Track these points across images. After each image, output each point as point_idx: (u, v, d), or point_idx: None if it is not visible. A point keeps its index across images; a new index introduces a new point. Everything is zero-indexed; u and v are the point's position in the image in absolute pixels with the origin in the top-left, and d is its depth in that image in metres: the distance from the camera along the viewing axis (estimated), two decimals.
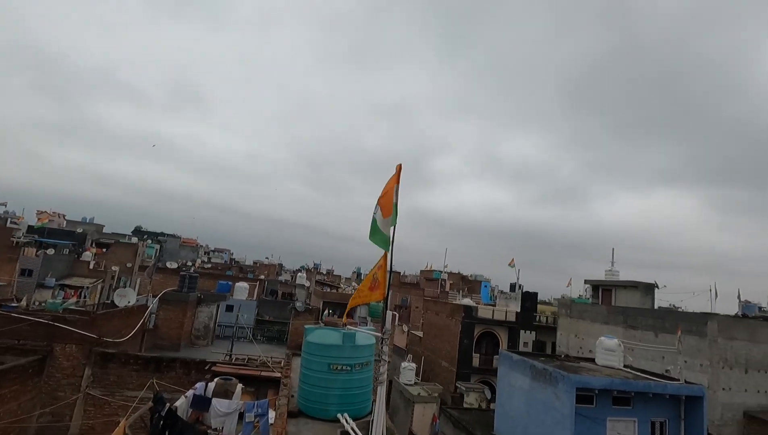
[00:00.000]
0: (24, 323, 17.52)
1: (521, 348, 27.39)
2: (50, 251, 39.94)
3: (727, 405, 17.51)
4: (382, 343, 4.82)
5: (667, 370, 16.92)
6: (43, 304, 22.14)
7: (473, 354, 28.32)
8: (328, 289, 48.47)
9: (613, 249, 28.32)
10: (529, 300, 30.06)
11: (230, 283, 36.55)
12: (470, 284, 57.66)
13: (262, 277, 49.21)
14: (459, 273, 63.34)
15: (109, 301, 23.15)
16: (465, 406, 23.18)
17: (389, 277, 4.85)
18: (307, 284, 47.16)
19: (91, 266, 39.99)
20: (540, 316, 30.45)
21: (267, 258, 78.62)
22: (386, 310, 4.65)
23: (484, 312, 29.54)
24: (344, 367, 5.85)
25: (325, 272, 76.79)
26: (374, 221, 4.79)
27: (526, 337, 28.54)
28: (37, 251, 38.72)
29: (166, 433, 9.56)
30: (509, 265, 34.55)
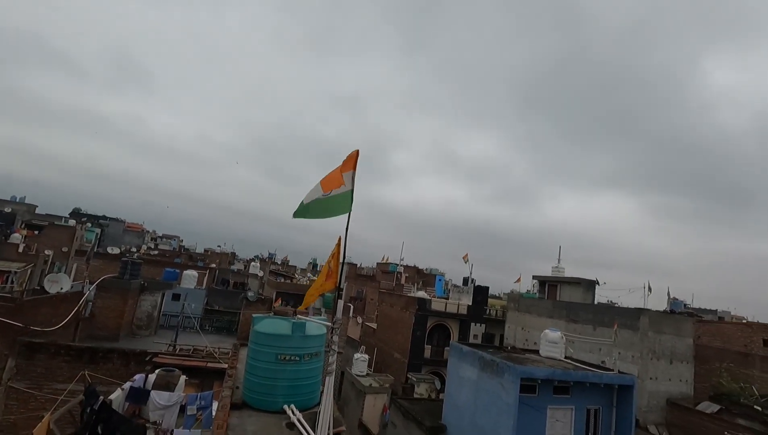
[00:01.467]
0: None
1: (471, 340, 28.22)
2: None
3: (653, 393, 18.95)
4: (332, 332, 4.69)
5: (603, 362, 18.03)
6: None
7: (425, 346, 28.86)
8: (283, 280, 47.55)
9: (560, 247, 29.72)
10: (481, 294, 30.99)
11: (178, 271, 34.87)
12: (425, 278, 58.66)
13: (213, 265, 47.40)
14: (415, 266, 64.25)
15: (39, 288, 21.35)
16: (415, 396, 23.58)
17: (342, 266, 4.72)
18: (261, 274, 46.00)
19: (21, 249, 36.75)
20: (490, 310, 31.50)
21: (219, 246, 75.93)
22: (338, 299, 4.52)
23: (437, 305, 30.11)
24: (292, 358, 5.68)
25: (280, 263, 75.28)
26: (314, 200, 4.62)
27: (477, 330, 29.44)
28: None
29: (99, 428, 8.94)
30: (463, 259, 35.42)
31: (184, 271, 34.20)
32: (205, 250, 70.94)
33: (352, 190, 4.57)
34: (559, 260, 27.67)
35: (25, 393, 16.42)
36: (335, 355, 4.73)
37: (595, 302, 25.44)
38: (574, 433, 13.33)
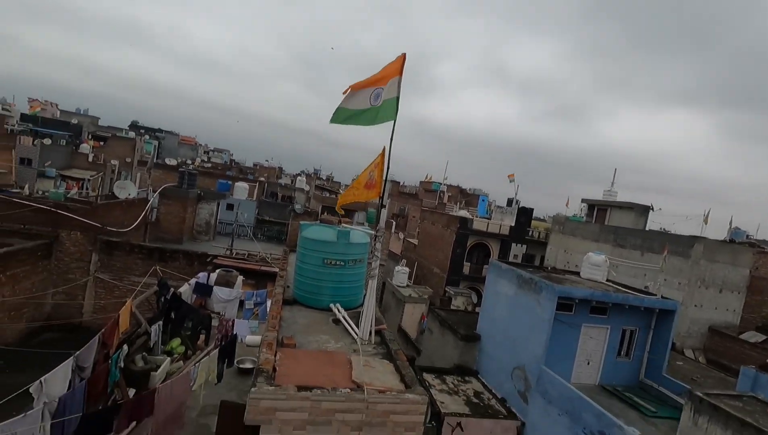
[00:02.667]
0: (27, 209, 17.92)
1: (511, 259, 28.51)
2: (47, 141, 39.30)
3: (696, 320, 18.80)
4: (375, 239, 4.89)
5: (646, 286, 17.82)
6: (45, 193, 22.39)
7: (464, 263, 29.60)
8: (327, 194, 48.99)
9: (615, 169, 28.12)
10: (525, 215, 30.59)
11: (230, 182, 36.72)
12: (468, 198, 58.26)
13: (262, 179, 49.35)
14: (458, 186, 63.65)
15: (110, 193, 23.43)
16: (452, 308, 24.80)
17: (385, 177, 4.76)
18: (307, 188, 47.53)
19: (90, 159, 39.70)
20: (532, 232, 31.24)
21: (267, 160, 78.17)
22: (381, 208, 4.64)
23: (479, 224, 30.20)
24: (337, 262, 6.05)
25: (324, 178, 77.02)
26: (355, 107, 4.51)
27: (517, 250, 29.58)
28: (33, 141, 38.07)
29: (172, 314, 10.27)
30: (508, 177, 34.53)
31: (236, 183, 35.95)
32: (254, 164, 73.48)
33: (398, 97, 4.42)
34: (612, 183, 26.33)
35: (109, 283, 18.89)
36: (378, 261, 4.98)
37: (647, 229, 24.48)
38: (607, 351, 13.73)
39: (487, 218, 33.84)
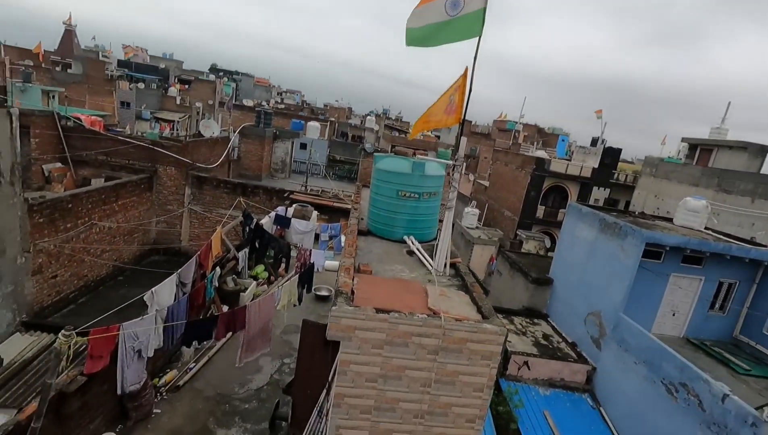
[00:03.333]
0: (130, 146, 19.90)
1: (591, 203, 26.65)
2: (140, 85, 42.51)
3: None
4: (453, 169, 4.69)
5: (753, 237, 15.79)
6: (143, 134, 24.58)
7: (538, 206, 28.25)
8: (397, 133, 48.38)
9: (729, 103, 24.06)
10: (610, 156, 27.98)
11: (302, 122, 37.54)
12: (546, 138, 54.34)
13: (332, 119, 49.78)
14: (536, 125, 59.37)
15: (196, 132, 25.14)
16: (523, 251, 24.17)
17: (467, 100, 4.42)
18: (376, 128, 47.24)
19: (178, 102, 42.50)
20: (618, 174, 28.65)
21: (337, 101, 78.32)
22: (461, 135, 4.38)
23: (557, 166, 28.25)
24: (412, 195, 5.96)
25: (393, 118, 75.81)
26: (433, 22, 4.06)
27: (599, 194, 27.49)
28: (129, 85, 41.38)
29: (256, 243, 11.11)
30: (595, 114, 31.28)
31: (308, 123, 36.67)
32: (324, 105, 74.09)
33: (485, 9, 3.95)
34: (722, 120, 22.81)
35: (201, 214, 20.82)
36: (455, 192, 4.80)
37: (761, 172, 21.25)
38: (698, 303, 12.66)
39: (567, 159, 31.51)
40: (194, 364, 8.12)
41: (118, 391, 5.13)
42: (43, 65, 38.64)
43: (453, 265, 5.47)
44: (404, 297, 4.26)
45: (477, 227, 24.71)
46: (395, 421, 3.91)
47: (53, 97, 27.09)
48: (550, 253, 25.04)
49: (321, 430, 4.34)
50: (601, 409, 13.03)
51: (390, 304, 4.04)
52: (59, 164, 19.55)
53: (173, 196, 20.55)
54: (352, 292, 4.18)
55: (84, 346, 4.63)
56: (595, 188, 27.55)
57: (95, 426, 5.97)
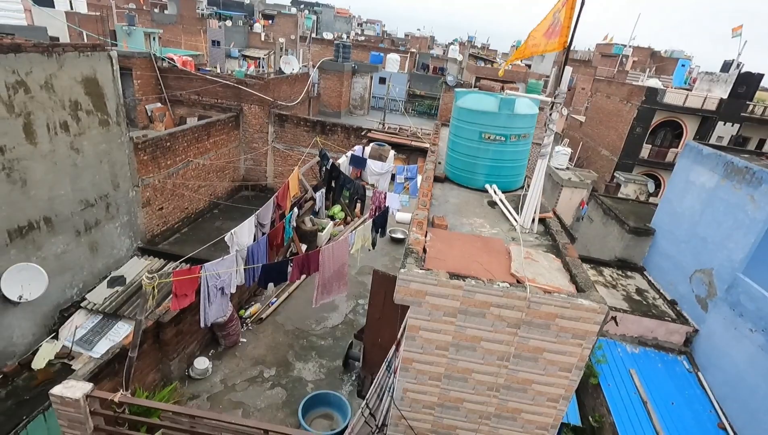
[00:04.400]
0: (218, 85, 20.67)
1: (713, 142, 22.71)
2: (228, 23, 43.41)
3: None
4: (551, 108, 3.85)
5: None
6: (232, 72, 25.33)
7: (643, 144, 24.80)
8: (483, 64, 44.65)
9: None
10: (747, 83, 23.07)
11: (382, 54, 36.02)
12: (661, 63, 46.49)
13: (413, 50, 47.13)
14: (648, 48, 50.83)
15: (278, 69, 25.30)
16: (619, 196, 21.76)
17: (576, 21, 3.48)
18: (460, 58, 43.91)
19: (262, 38, 42.90)
20: (754, 107, 23.74)
21: (419, 30, 73.81)
22: (565, 65, 3.50)
23: (672, 97, 24.11)
24: (497, 138, 5.19)
25: (479, 46, 69.85)
26: None
27: (724, 131, 23.24)
28: (218, 23, 42.44)
29: (332, 183, 11.09)
30: (733, 31, 25.51)
31: (388, 55, 35.09)
32: (405, 35, 70.29)
33: None
34: None
35: (283, 152, 21.47)
36: (552, 135, 4.00)
37: None
38: None
39: (686, 89, 26.73)
40: (275, 298, 8.60)
41: (201, 325, 5.52)
42: (144, 8, 40.90)
43: (542, 221, 4.77)
44: (483, 258, 3.77)
45: (567, 168, 22.54)
46: (467, 391, 3.62)
47: (154, 38, 28.65)
48: (652, 200, 22.34)
49: (389, 385, 4.24)
50: (699, 373, 11.84)
51: (466, 266, 3.59)
52: (159, 104, 21.07)
53: (258, 134, 21.30)
54: (424, 250, 3.78)
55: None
56: (720, 124, 23.28)
57: (190, 350, 6.62)
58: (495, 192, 5.33)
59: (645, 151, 24.96)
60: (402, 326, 3.66)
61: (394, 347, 4.14)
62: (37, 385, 8.40)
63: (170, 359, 6.06)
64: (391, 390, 4.01)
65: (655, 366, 12.07)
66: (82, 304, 11.10)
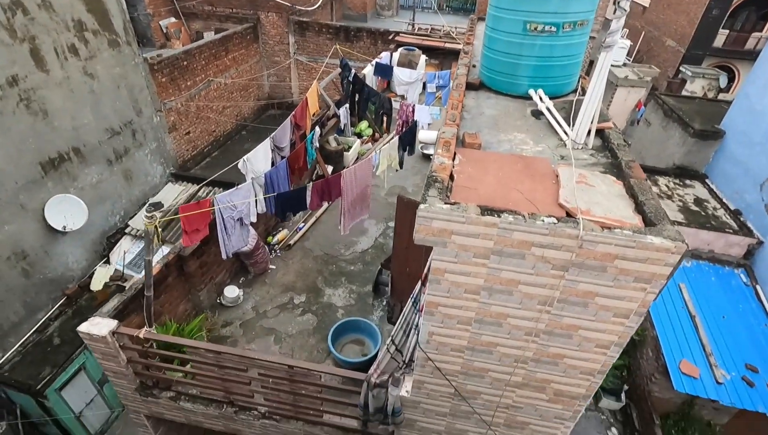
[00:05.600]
0: None
1: None
2: None
3: None
4: None
5: None
6: None
7: (719, 30, 21.17)
8: None
9: None
10: None
11: None
12: None
13: None
14: None
15: None
16: (684, 93, 19.22)
17: None
18: None
19: None
20: None
21: None
22: None
23: None
24: (547, 28, 4.12)
25: None
26: None
27: None
28: None
29: (356, 96, 10.15)
30: None
31: None
32: None
33: None
34: None
35: (307, 65, 20.11)
36: (621, 18, 3.00)
37: None
38: None
39: None
40: (303, 224, 8.36)
41: (223, 256, 5.33)
42: None
43: (600, 133, 3.89)
44: (524, 185, 3.08)
45: (624, 64, 19.89)
46: (501, 335, 3.19)
47: None
48: (722, 97, 19.65)
49: (416, 322, 3.91)
50: (757, 287, 11.04)
51: (503, 196, 2.93)
52: (173, 19, 19.81)
53: (278, 46, 19.86)
54: (451, 178, 3.13)
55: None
56: None
57: (219, 279, 6.61)
58: (541, 98, 4.40)
59: (720, 38, 21.40)
60: (426, 266, 3.18)
61: (420, 284, 3.72)
62: (98, 305, 9.02)
63: (198, 290, 6.06)
64: (418, 328, 3.68)
65: (707, 280, 11.33)
66: (126, 231, 11.46)
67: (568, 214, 2.74)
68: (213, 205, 4.79)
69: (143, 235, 10.68)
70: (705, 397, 8.62)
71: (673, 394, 9.24)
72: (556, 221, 2.58)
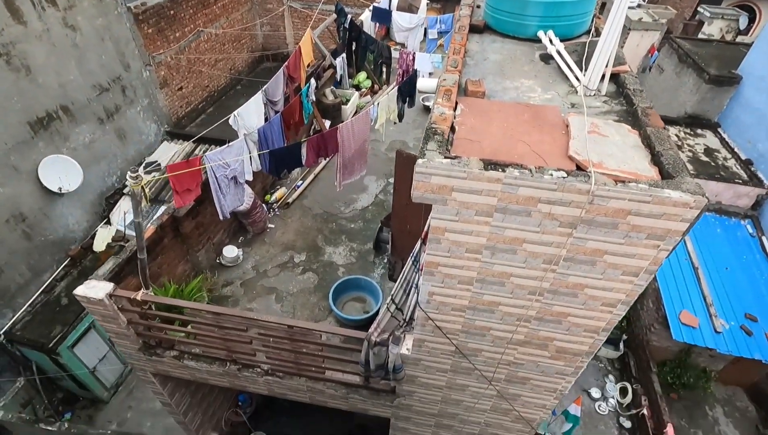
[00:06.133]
0: None
1: None
2: None
3: None
4: None
5: None
6: None
7: None
8: None
9: None
10: None
11: None
12: None
13: None
14: None
15: None
16: (701, 36, 18.20)
17: None
18: None
19: None
20: None
21: None
22: None
23: None
24: None
25: None
26: None
27: None
28: None
29: (353, 45, 9.59)
30: None
31: None
32: None
33: None
34: None
35: (302, 12, 19.05)
36: None
37: None
38: None
39: None
40: (301, 181, 8.16)
41: (220, 217, 5.20)
42: None
43: (614, 78, 3.58)
44: (532, 136, 2.85)
45: (639, 5, 18.69)
46: (504, 295, 3.09)
47: None
48: (741, 39, 18.63)
49: (416, 281, 3.81)
50: (763, 238, 10.95)
51: (508, 149, 2.71)
52: None
53: None
54: (452, 130, 2.89)
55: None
56: None
57: (218, 239, 6.51)
58: (551, 41, 4.03)
59: None
60: (425, 225, 3.02)
61: (420, 242, 3.59)
62: (101, 266, 9.09)
63: (196, 251, 5.98)
64: (418, 288, 3.59)
65: (713, 231, 11.21)
66: (124, 191, 11.31)
67: (579, 168, 2.53)
68: (203, 164, 4.58)
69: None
70: (703, 345, 8.75)
71: (671, 343, 9.39)
72: (565, 175, 2.38)
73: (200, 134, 6.63)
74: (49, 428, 9.33)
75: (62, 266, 10.03)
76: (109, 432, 9.06)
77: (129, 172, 3.46)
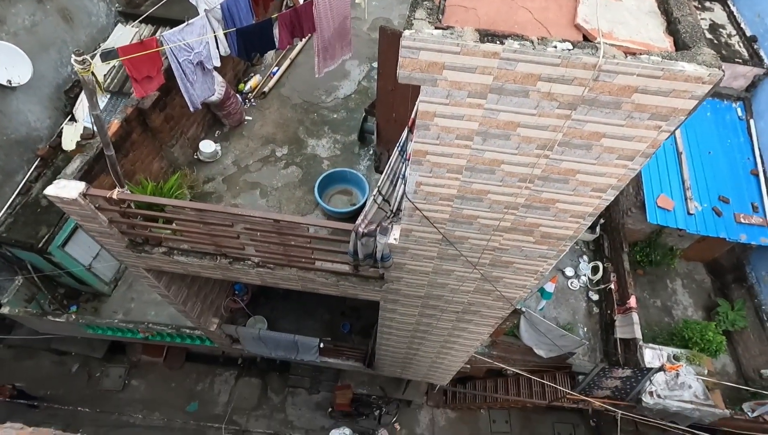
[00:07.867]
0: None
1: None
2: None
3: None
4: None
5: None
6: None
7: None
8: None
9: None
10: None
11: None
12: None
13: None
14: None
15: None
16: None
17: None
18: None
19: None
20: None
21: None
22: None
23: None
24: None
25: None
26: None
27: None
28: None
29: None
30: None
31: None
32: None
33: None
34: None
35: None
36: None
37: None
38: None
39: None
40: (277, 67, 7.47)
41: (190, 108, 4.79)
42: None
43: None
44: (534, 1, 2.48)
45: None
46: (493, 183, 2.99)
47: None
48: None
49: (403, 172, 3.69)
50: (751, 120, 10.90)
51: (507, 17, 2.37)
52: None
53: None
54: None
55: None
56: None
57: (192, 133, 6.13)
58: None
59: None
60: (413, 111, 2.78)
61: (407, 131, 3.37)
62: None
63: (170, 146, 5.64)
64: (405, 178, 3.48)
65: (702, 115, 11.07)
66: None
67: (586, 38, 2.24)
68: (161, 45, 4.04)
69: (105, 88, 9.68)
70: (674, 227, 9.20)
71: (645, 225, 9.84)
72: (570, 47, 2.10)
73: (160, 14, 5.81)
74: (58, 320, 9.84)
75: (34, 167, 9.62)
76: (116, 320, 9.63)
77: (73, 56, 3.01)
